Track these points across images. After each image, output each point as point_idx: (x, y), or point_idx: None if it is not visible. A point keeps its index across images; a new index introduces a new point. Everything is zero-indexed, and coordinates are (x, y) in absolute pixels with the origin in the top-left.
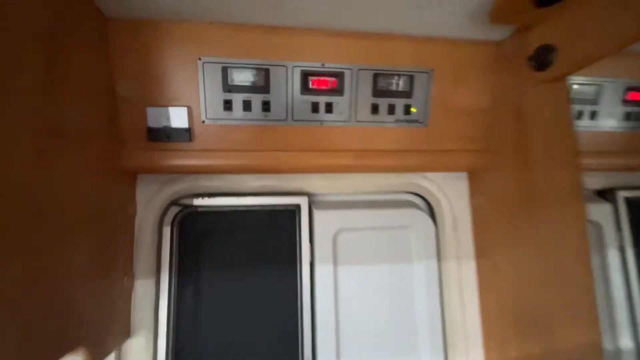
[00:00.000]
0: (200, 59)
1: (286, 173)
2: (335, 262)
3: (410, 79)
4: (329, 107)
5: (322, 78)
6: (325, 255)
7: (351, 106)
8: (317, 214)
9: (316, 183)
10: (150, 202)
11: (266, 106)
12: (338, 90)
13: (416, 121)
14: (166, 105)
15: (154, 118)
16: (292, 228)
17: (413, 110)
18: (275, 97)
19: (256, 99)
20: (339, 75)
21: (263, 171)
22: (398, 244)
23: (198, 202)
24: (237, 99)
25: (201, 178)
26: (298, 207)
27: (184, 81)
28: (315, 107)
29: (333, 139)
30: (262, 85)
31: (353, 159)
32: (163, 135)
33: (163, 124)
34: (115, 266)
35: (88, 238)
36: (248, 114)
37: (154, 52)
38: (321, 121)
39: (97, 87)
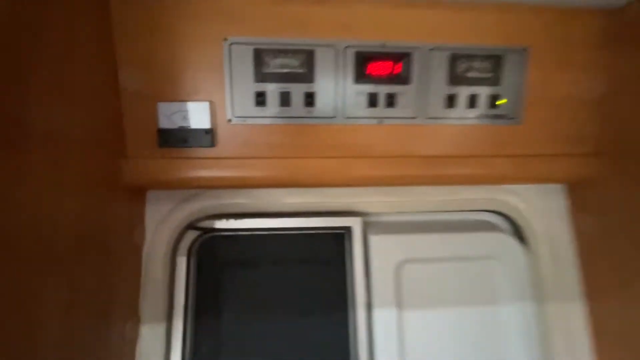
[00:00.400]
0: (225, 39)
1: (333, 187)
2: (398, 303)
3: (498, 60)
4: (390, 100)
5: (382, 61)
6: (385, 294)
7: (419, 98)
8: (373, 239)
9: (372, 199)
10: (161, 225)
11: (309, 100)
12: (403, 78)
13: (505, 117)
14: (182, 100)
15: (166, 117)
16: (341, 258)
17: (501, 102)
18: (322, 87)
19: (297, 91)
20: (404, 58)
21: (304, 184)
22: (479, 280)
23: (221, 224)
24: (273, 90)
25: (225, 194)
26: (348, 230)
27: (206, 69)
28: (372, 100)
29: (395, 142)
30: (305, 73)
31: (421, 168)
32: (178, 139)
33: (178, 124)
34: (116, 308)
35: (80, 271)
36: (286, 110)
37: (167, 32)
38: (380, 118)
39: (96, 78)
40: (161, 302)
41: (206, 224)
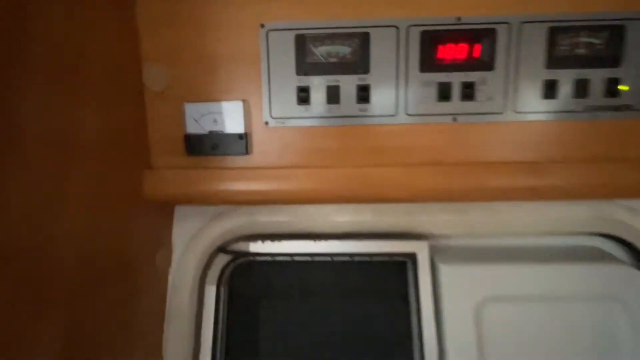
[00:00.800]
0: (263, 25)
1: (394, 202)
2: (480, 355)
3: (619, 32)
4: (468, 91)
5: (457, 42)
6: (461, 341)
7: (507, 87)
8: (444, 270)
9: (442, 218)
10: (189, 248)
11: (364, 94)
12: (484, 62)
13: (628, 107)
14: (213, 100)
15: (194, 120)
16: (402, 292)
17: (623, 88)
18: (379, 78)
19: (348, 84)
20: (486, 36)
21: (357, 199)
22: (589, 326)
23: (256, 247)
24: (318, 85)
25: (262, 211)
26: (412, 257)
27: (239, 61)
28: (444, 92)
29: (474, 144)
30: (357, 61)
31: (508, 178)
32: (208, 146)
33: (208, 128)
34: (136, 347)
35: (90, 305)
36: (335, 109)
37: (195, 21)
38: (454, 115)
39: (114, 75)
40: (188, 337)
41: (240, 246)
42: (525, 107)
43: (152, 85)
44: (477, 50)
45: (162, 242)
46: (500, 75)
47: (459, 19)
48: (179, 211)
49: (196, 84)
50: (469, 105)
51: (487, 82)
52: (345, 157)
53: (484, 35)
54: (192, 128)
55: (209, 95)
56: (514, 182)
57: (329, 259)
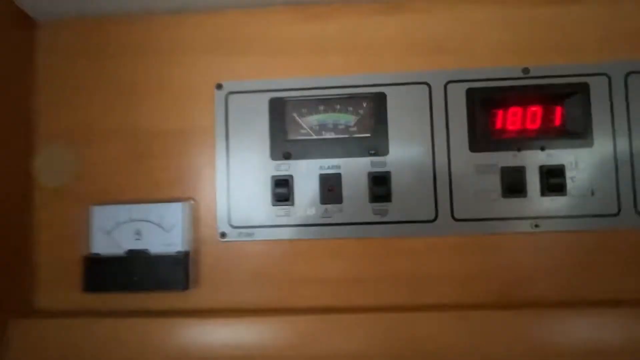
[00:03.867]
0: (219, 86)
1: None
2: None
3: None
4: (554, 180)
5: (525, 104)
6: None
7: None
8: None
9: None
10: None
11: (381, 189)
12: (574, 131)
13: None
14: (138, 201)
15: (104, 232)
16: None
17: None
18: (405, 162)
19: (355, 172)
20: (572, 92)
21: None
22: None
23: None
24: (307, 173)
25: None
26: None
27: (180, 141)
28: (514, 182)
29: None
30: (370, 137)
31: None
32: (122, 276)
33: (126, 245)
34: None
35: None
36: (334, 212)
37: (113, 82)
38: (535, 219)
39: None
40: None
41: None
42: None
43: (45, 178)
44: (558, 114)
45: None
46: (605, 153)
47: (526, 70)
48: None
49: (111, 176)
50: (557, 203)
51: (581, 165)
52: (354, 292)
53: (566, 91)
54: (101, 245)
55: (132, 192)
56: None
57: None
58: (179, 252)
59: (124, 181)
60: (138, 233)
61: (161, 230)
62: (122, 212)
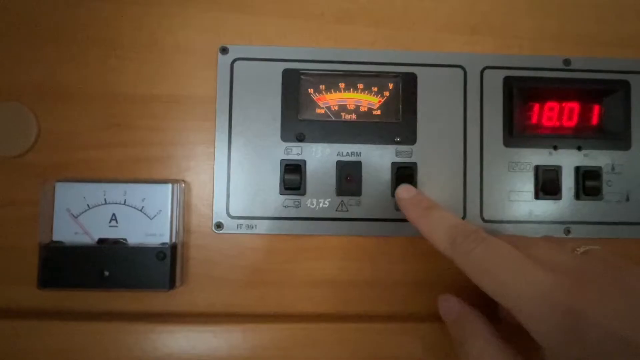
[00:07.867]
0: (224, 50)
1: None
2: None
3: None
4: (591, 183)
5: (564, 99)
6: None
7: None
8: None
9: None
10: None
11: (406, 180)
12: (614, 131)
13: None
14: (114, 180)
15: (69, 216)
16: None
17: None
18: (433, 153)
19: (377, 160)
20: (614, 89)
21: None
22: None
23: None
24: (323, 159)
25: None
26: None
27: (173, 111)
28: (547, 183)
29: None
30: (396, 122)
31: None
32: (93, 270)
33: (97, 233)
34: None
35: None
36: (352, 204)
37: (88, 34)
38: (568, 224)
39: None
40: None
41: None
42: None
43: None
44: (596, 111)
45: None
46: None
47: (567, 62)
48: None
49: (83, 147)
50: (591, 208)
51: (618, 168)
52: (368, 297)
53: (610, 87)
54: (65, 232)
55: (107, 169)
56: None
57: None
58: (163, 243)
59: (98, 154)
60: (114, 219)
61: (143, 217)
62: (95, 191)
